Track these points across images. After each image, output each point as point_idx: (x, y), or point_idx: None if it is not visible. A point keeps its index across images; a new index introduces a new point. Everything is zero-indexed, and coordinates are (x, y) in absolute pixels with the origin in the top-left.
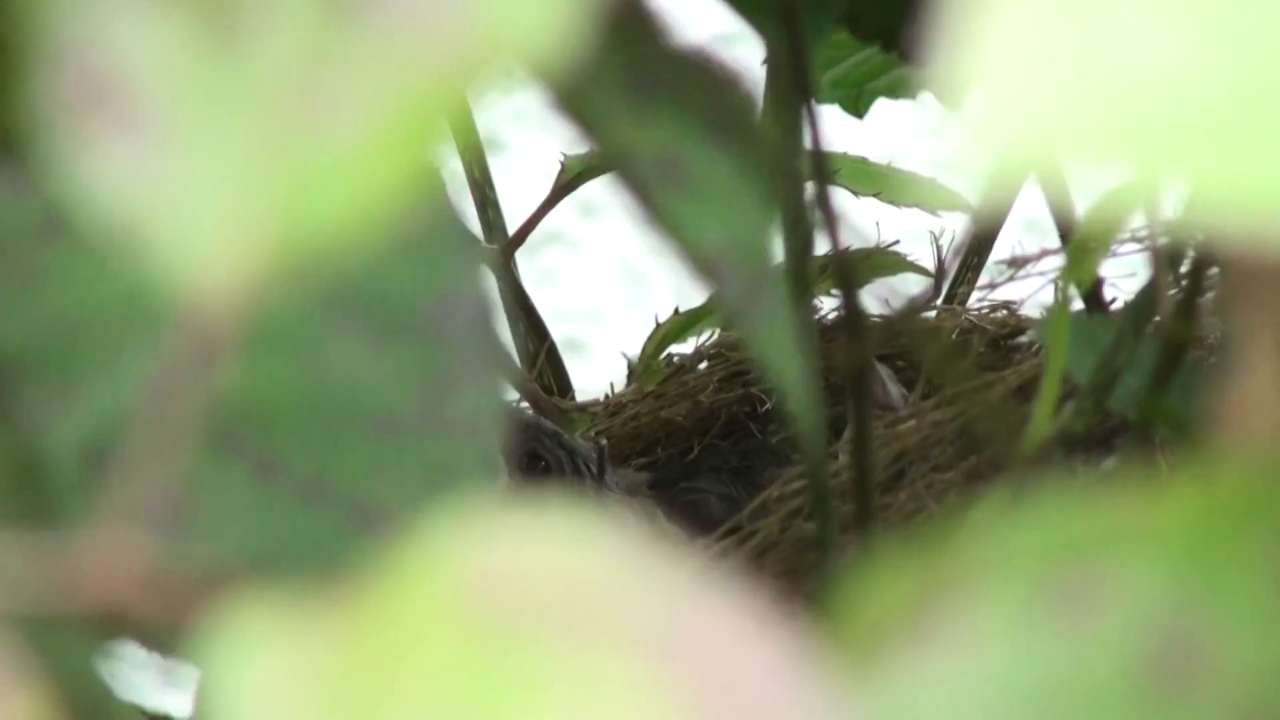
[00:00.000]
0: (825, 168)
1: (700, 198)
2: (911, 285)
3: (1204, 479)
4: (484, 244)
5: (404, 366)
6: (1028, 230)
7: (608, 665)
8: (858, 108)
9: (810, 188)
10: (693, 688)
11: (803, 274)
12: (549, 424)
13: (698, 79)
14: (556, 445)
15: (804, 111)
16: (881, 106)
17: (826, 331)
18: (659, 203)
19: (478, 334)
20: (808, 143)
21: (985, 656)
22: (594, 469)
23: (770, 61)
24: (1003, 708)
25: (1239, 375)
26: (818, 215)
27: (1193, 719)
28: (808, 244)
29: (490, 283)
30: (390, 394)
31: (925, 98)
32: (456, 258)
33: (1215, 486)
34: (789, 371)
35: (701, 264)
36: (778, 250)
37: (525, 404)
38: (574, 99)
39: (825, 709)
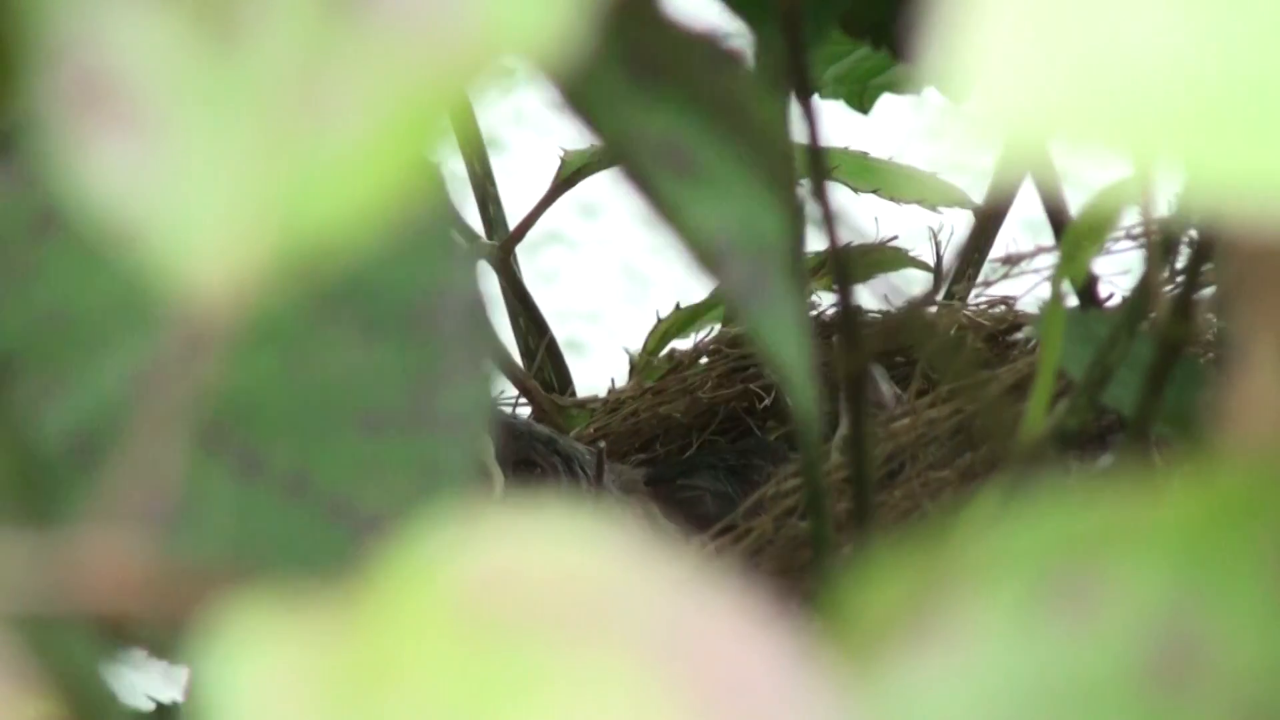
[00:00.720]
0: (823, 166)
1: (705, 184)
2: (913, 282)
3: (1204, 479)
4: (484, 240)
5: (393, 363)
6: (1028, 230)
7: (607, 665)
8: (862, 104)
9: (807, 185)
10: (693, 687)
11: (799, 270)
12: (542, 429)
13: (701, 62)
14: (550, 451)
15: (802, 110)
16: (880, 106)
17: (824, 328)
18: (663, 191)
19: (470, 331)
20: (805, 141)
21: (985, 656)
22: (589, 471)
23: (759, 60)
24: (1002, 707)
25: (1242, 375)
26: (815, 212)
27: (1192, 719)
28: (802, 240)
29: (485, 280)
30: (378, 390)
31: (927, 95)
32: (449, 254)
33: (1215, 486)
34: (795, 365)
35: (706, 253)
36: (787, 237)
37: (523, 400)
38: (576, 89)
39: (825, 708)
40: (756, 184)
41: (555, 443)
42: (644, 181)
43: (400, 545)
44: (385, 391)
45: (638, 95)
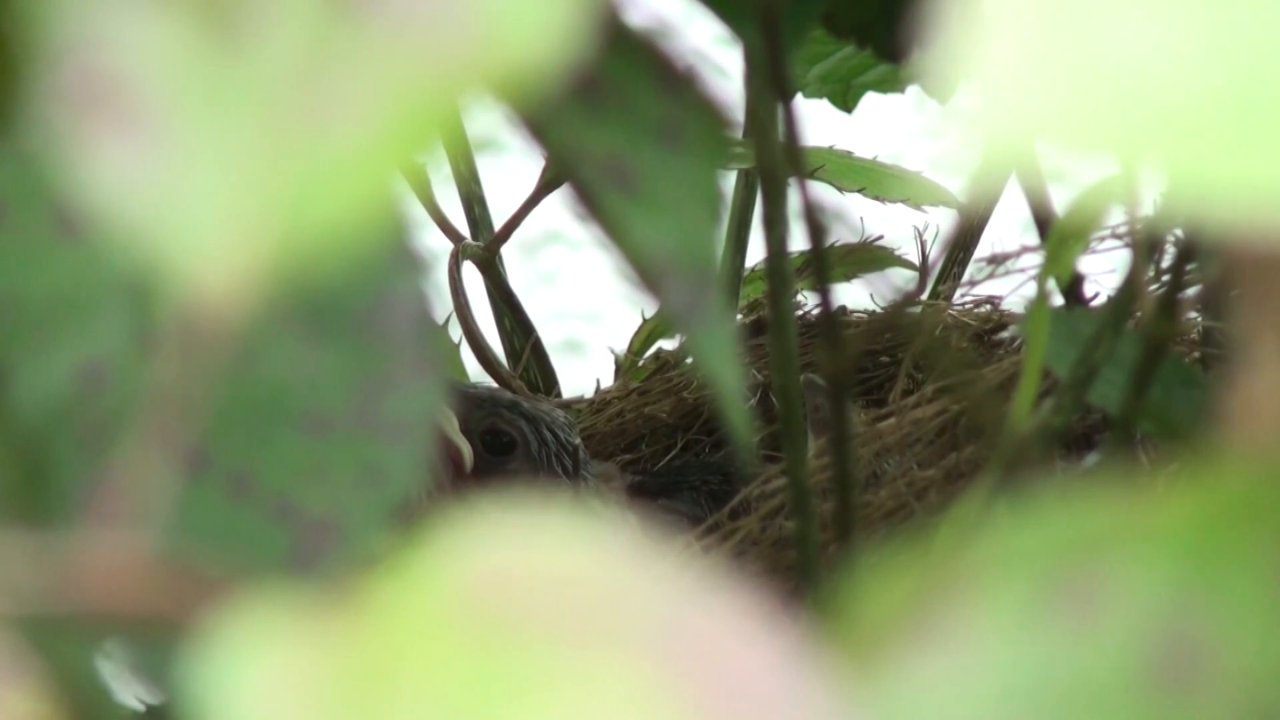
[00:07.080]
0: (804, 167)
1: (648, 202)
2: (902, 280)
3: (1206, 479)
4: (470, 241)
5: (339, 367)
6: (1014, 229)
7: (608, 665)
8: (846, 102)
9: (791, 187)
10: (693, 688)
11: (783, 271)
12: (505, 394)
13: (650, 78)
14: (517, 415)
15: (783, 112)
16: (880, 106)
17: (810, 328)
18: (608, 208)
19: (416, 337)
20: (786, 142)
21: (987, 656)
22: (559, 433)
23: (749, 61)
24: (1005, 708)
25: (1244, 376)
26: (801, 213)
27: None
28: (785, 241)
29: (431, 288)
30: (324, 394)
31: (921, 97)
32: (398, 260)
33: (1218, 487)
34: (729, 383)
35: (647, 271)
36: (721, 255)
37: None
38: (525, 102)
39: (826, 708)
40: (698, 203)
41: (519, 406)
42: (590, 198)
43: (400, 547)
44: (330, 394)
45: (584, 110)
